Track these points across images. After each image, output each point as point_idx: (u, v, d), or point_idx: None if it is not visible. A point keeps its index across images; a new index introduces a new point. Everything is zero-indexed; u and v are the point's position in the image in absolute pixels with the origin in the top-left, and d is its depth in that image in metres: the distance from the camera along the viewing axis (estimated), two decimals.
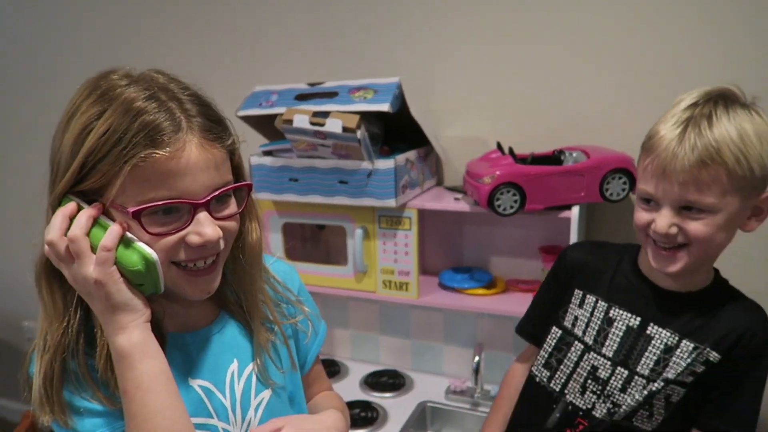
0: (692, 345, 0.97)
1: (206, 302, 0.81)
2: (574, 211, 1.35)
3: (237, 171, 0.76)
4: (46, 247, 0.69)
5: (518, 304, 1.49)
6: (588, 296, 1.08)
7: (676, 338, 0.99)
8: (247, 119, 1.56)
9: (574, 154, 1.40)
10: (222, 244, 0.72)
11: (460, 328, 1.70)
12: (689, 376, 0.98)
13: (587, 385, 1.05)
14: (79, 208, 0.69)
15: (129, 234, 0.69)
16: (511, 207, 1.34)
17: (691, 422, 1.01)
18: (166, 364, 0.70)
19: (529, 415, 1.12)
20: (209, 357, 0.81)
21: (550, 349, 1.11)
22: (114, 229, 0.67)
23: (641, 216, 0.96)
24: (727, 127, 0.87)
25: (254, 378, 0.83)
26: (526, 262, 1.62)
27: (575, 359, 1.07)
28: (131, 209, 0.66)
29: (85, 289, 0.68)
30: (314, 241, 1.73)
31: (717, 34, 1.36)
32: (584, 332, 1.06)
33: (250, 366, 0.83)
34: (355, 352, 1.85)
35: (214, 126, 0.70)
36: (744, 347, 0.95)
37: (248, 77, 1.75)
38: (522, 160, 1.38)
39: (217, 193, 0.70)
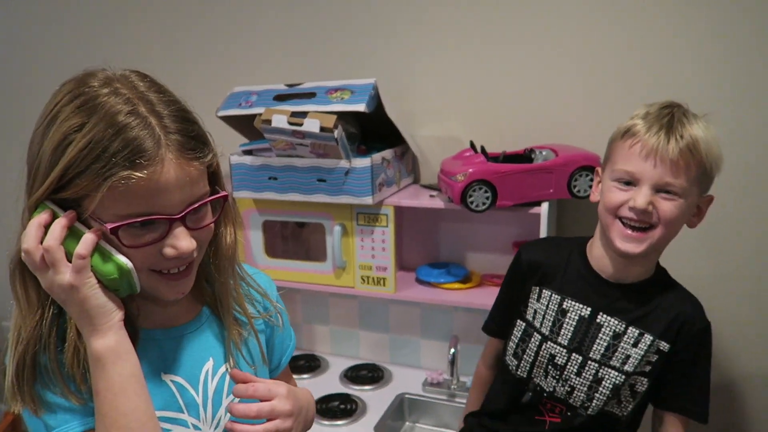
0: (637, 332, 1.08)
1: (185, 300, 0.83)
2: (544, 207, 1.40)
3: (213, 178, 0.78)
4: (22, 254, 0.70)
5: (492, 297, 1.53)
6: (544, 291, 1.17)
7: (623, 326, 1.09)
8: (226, 119, 1.59)
9: (544, 153, 1.45)
10: (195, 253, 0.74)
11: (437, 322, 1.75)
12: (647, 365, 1.08)
13: (548, 370, 1.15)
14: (55, 216, 0.70)
15: (103, 243, 0.70)
16: (483, 204, 1.39)
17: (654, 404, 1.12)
18: (137, 366, 0.72)
19: (505, 396, 1.22)
20: (185, 354, 0.83)
21: (516, 341, 1.20)
22: (88, 238, 0.69)
23: (617, 196, 1.04)
24: (697, 129, 1.00)
25: (228, 377, 0.85)
26: (500, 257, 1.66)
27: (535, 349, 1.16)
28: (109, 226, 0.68)
29: (61, 296, 0.70)
30: (294, 239, 1.77)
31: (678, 42, 1.43)
32: (541, 324, 1.16)
33: (224, 366, 0.86)
34: (335, 347, 1.89)
35: (192, 142, 0.71)
36: (687, 334, 1.07)
37: (227, 78, 1.78)
38: (494, 158, 1.43)
39: (192, 207, 0.72)
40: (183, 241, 0.71)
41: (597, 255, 1.13)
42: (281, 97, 1.52)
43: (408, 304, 1.74)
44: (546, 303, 1.16)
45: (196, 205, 0.72)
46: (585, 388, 1.11)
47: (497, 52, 1.58)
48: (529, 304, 1.19)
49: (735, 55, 1.40)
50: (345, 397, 1.64)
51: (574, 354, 1.12)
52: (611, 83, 1.50)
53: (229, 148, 1.61)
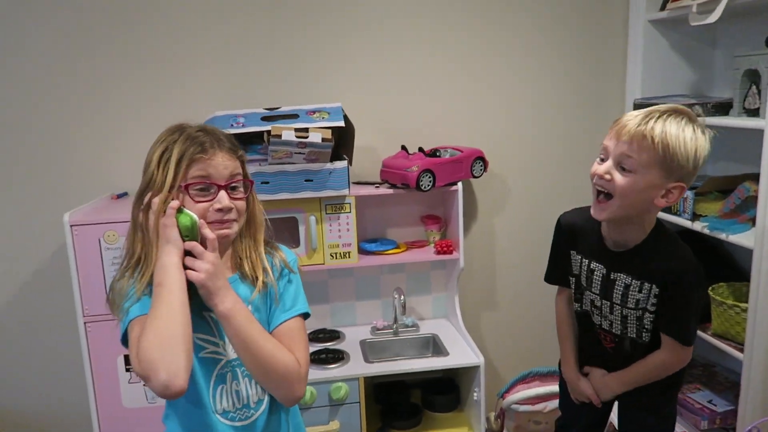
0: (639, 282, 1.36)
1: (227, 263, 1.18)
2: (459, 186, 2.13)
3: (245, 175, 1.19)
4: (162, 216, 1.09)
5: (417, 257, 2.21)
6: (576, 255, 1.48)
7: (629, 279, 1.38)
8: None
9: (449, 151, 2.17)
10: (234, 214, 1.13)
11: (372, 284, 2.32)
12: (652, 306, 1.37)
13: (593, 310, 1.48)
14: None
15: (184, 207, 1.09)
16: (428, 185, 2.04)
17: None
18: (182, 276, 1.06)
19: (580, 328, 1.56)
20: None
21: (574, 289, 1.52)
22: (176, 201, 1.09)
23: (594, 167, 1.31)
24: (667, 125, 1.23)
25: None
26: (412, 229, 2.33)
27: (581, 296, 1.50)
28: (183, 184, 1.10)
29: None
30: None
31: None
32: (581, 278, 1.48)
33: None
34: None
35: (231, 146, 1.16)
36: (669, 279, 1.32)
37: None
38: (428, 155, 2.09)
39: (233, 180, 1.13)
40: (224, 199, 1.12)
41: (603, 229, 1.42)
42: (268, 119, 1.92)
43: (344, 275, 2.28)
44: (579, 264, 1.47)
45: (233, 181, 1.14)
46: (618, 322, 1.42)
47: (387, 93, 2.25)
48: (572, 264, 1.49)
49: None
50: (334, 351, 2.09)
51: (604, 300, 1.43)
52: (469, 100, 2.31)
53: None
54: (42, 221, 2.14)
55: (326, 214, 2.05)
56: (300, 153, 1.89)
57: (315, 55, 2.19)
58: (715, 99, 2.09)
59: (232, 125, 1.90)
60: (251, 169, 1.90)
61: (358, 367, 2.01)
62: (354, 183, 2.25)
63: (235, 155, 1.15)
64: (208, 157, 1.10)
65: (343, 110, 1.98)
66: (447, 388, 2.27)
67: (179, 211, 1.09)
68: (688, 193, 2.06)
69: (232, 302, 1.09)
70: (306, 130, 1.85)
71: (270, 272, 1.19)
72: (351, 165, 2.21)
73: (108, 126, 2.12)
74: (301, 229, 2.05)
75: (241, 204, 1.16)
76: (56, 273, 2.15)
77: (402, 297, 2.18)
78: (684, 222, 2.09)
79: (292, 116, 1.94)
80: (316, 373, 1.97)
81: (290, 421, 1.24)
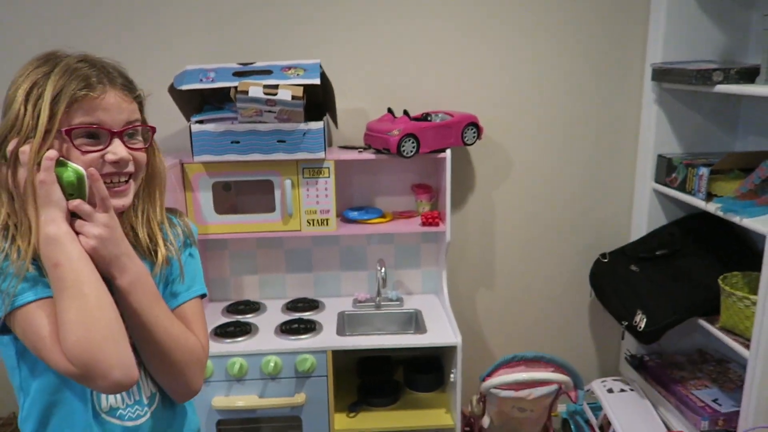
0: None
1: None
2: (448, 153, 1.97)
3: (144, 120, 0.98)
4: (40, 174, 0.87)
5: (403, 228, 2.08)
6: None
7: None
8: (180, 93, 1.82)
9: (440, 115, 2.02)
10: (132, 167, 0.94)
11: (358, 255, 2.21)
12: None
13: None
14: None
15: (64, 158, 0.88)
16: (411, 151, 1.90)
17: None
18: (81, 246, 0.87)
19: None
20: None
21: None
22: (54, 151, 0.88)
23: None
24: None
25: None
26: (401, 198, 2.20)
27: None
28: (64, 129, 0.88)
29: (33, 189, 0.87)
30: (241, 196, 2.06)
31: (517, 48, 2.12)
32: None
33: None
34: (267, 291, 2.22)
35: (127, 84, 0.95)
36: None
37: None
38: (414, 119, 1.94)
39: (129, 127, 0.93)
40: (120, 148, 0.92)
41: None
42: (240, 74, 1.82)
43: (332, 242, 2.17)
44: None
45: (131, 126, 0.94)
46: None
47: (381, 51, 2.09)
48: None
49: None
50: (304, 320, 2.01)
51: None
52: (459, 69, 2.13)
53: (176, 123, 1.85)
54: None
55: (303, 178, 1.94)
56: (270, 111, 1.77)
57: (300, 10, 2.05)
58: (740, 65, 1.85)
59: (201, 80, 1.80)
60: (222, 127, 1.82)
61: (328, 339, 1.92)
62: (340, 147, 2.13)
63: (132, 95, 0.95)
64: (96, 96, 0.89)
65: (321, 67, 1.85)
66: (431, 367, 2.15)
67: (59, 163, 0.88)
68: (704, 170, 1.85)
69: (136, 274, 0.91)
70: (276, 86, 1.73)
71: (174, 243, 1.02)
72: (337, 128, 2.10)
73: None
74: (277, 193, 1.95)
75: (141, 156, 0.96)
76: None
77: (383, 269, 2.06)
78: (697, 202, 1.87)
79: (266, 72, 1.83)
80: (284, 344, 1.89)
81: (187, 414, 1.08)
